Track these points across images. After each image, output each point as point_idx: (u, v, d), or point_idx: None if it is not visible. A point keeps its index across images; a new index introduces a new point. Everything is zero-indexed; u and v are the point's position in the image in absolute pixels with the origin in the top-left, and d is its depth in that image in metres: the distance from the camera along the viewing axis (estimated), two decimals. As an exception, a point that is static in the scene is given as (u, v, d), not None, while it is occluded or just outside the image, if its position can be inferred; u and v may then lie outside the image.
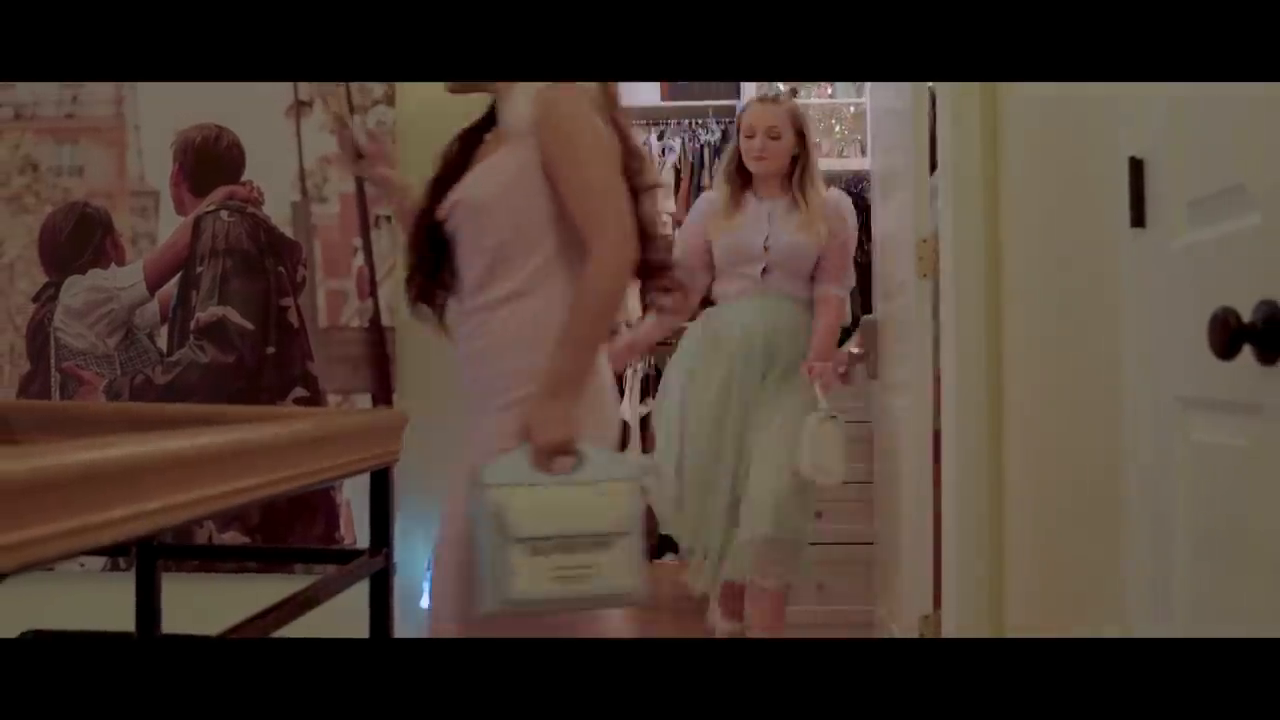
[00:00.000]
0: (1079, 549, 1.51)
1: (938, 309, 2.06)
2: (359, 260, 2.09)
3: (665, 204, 3.66)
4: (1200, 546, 1.04)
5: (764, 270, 2.37)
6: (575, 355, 1.29)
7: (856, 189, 3.30)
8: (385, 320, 2.09)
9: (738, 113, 2.51)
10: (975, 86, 1.91)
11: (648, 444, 2.95)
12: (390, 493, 1.04)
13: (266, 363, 2.07)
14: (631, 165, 1.41)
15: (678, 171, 3.85)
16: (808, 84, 3.56)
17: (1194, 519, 1.05)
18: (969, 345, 1.94)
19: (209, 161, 2.08)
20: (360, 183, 2.12)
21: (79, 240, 2.10)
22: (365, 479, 1.14)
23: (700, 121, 3.91)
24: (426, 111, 2.12)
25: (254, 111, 2.03)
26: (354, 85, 2.11)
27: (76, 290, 2.11)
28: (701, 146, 3.81)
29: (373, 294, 2.09)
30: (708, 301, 2.53)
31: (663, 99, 3.94)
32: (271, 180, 2.10)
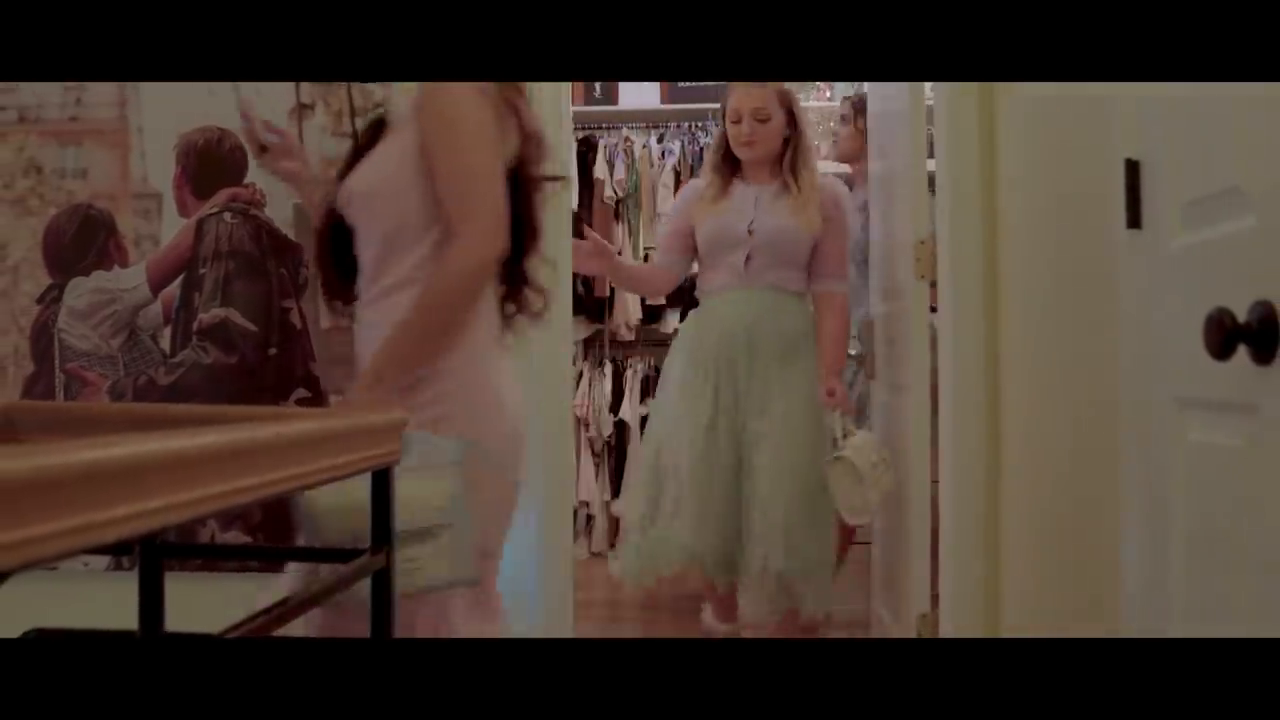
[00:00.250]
0: (1076, 548, 1.52)
1: (936, 310, 2.07)
2: (361, 261, 2.10)
3: (665, 206, 3.66)
4: (1196, 545, 1.05)
5: (748, 258, 2.20)
6: (407, 341, 1.24)
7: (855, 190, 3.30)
8: (387, 321, 2.10)
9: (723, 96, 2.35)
10: (973, 87, 1.91)
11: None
12: (391, 492, 1.05)
13: (269, 363, 2.07)
14: (529, 154, 1.36)
15: (678, 174, 3.86)
16: (807, 85, 3.57)
17: (1190, 518, 1.06)
18: (966, 345, 1.95)
19: (211, 164, 2.09)
20: (362, 184, 2.13)
21: (82, 242, 2.11)
22: (366, 479, 1.14)
23: (700, 124, 3.92)
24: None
25: (257, 114, 2.04)
26: (356, 89, 2.12)
27: (80, 292, 2.12)
28: (701, 149, 3.81)
29: (375, 295, 2.10)
30: (686, 294, 2.47)
31: (662, 101, 3.95)
32: (273, 182, 2.11)
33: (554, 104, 2.14)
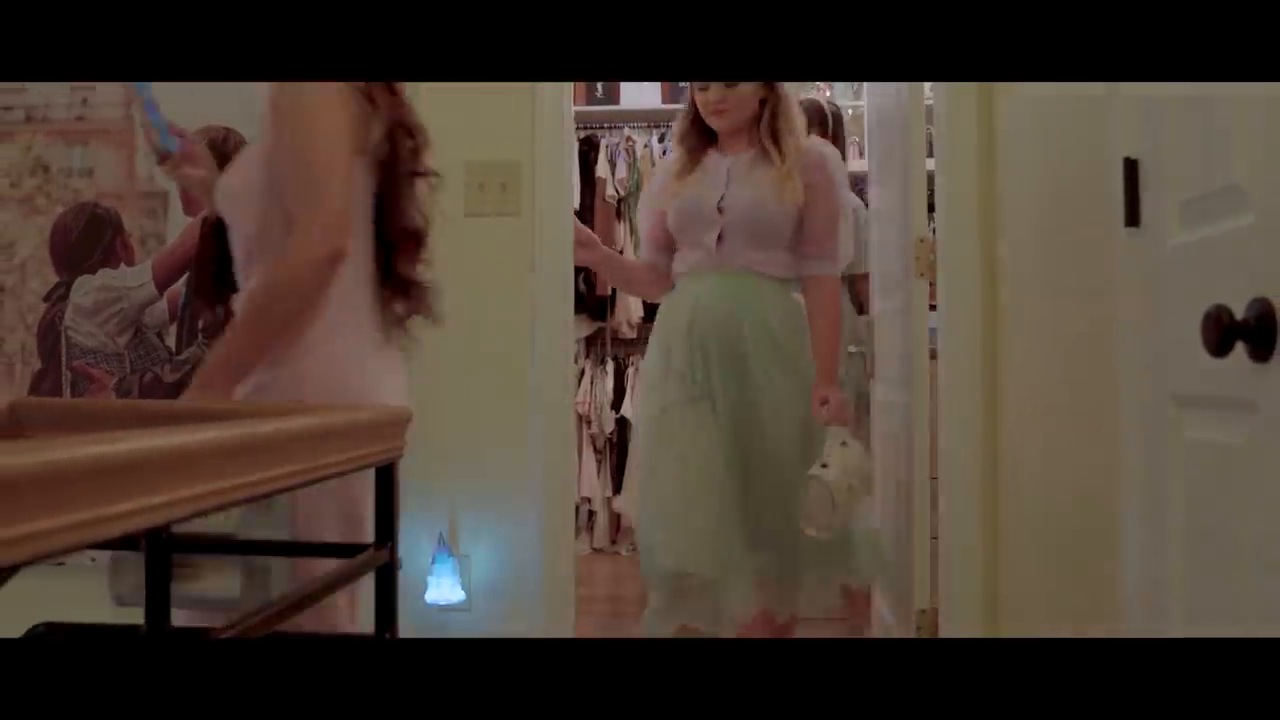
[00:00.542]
0: (1075, 545, 1.52)
1: (935, 307, 2.08)
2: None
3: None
4: (1195, 542, 1.05)
5: (719, 238, 1.89)
6: (237, 344, 1.17)
7: (855, 189, 3.31)
8: (391, 319, 2.11)
9: None
10: (972, 87, 1.92)
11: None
12: (394, 488, 1.05)
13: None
14: (400, 146, 1.28)
15: (680, 172, 3.86)
16: (807, 87, 3.58)
17: (1188, 515, 1.06)
18: (965, 343, 1.96)
19: (217, 162, 2.10)
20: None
21: (89, 241, 2.12)
22: (370, 474, 1.15)
23: (702, 123, 3.92)
24: (432, 115, 2.14)
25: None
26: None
27: (87, 290, 2.13)
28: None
29: (378, 293, 2.11)
30: None
31: (664, 101, 3.96)
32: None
33: (555, 104, 2.15)
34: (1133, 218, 1.17)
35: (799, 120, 1.93)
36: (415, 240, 1.32)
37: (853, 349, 2.55)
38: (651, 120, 4.01)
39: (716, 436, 1.85)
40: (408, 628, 1.10)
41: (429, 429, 1.49)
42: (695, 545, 1.81)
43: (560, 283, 2.15)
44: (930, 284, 2.10)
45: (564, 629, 2.10)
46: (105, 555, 2.05)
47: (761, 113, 1.91)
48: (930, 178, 2.12)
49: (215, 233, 1.34)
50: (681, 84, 3.93)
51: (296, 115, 1.21)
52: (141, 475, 0.56)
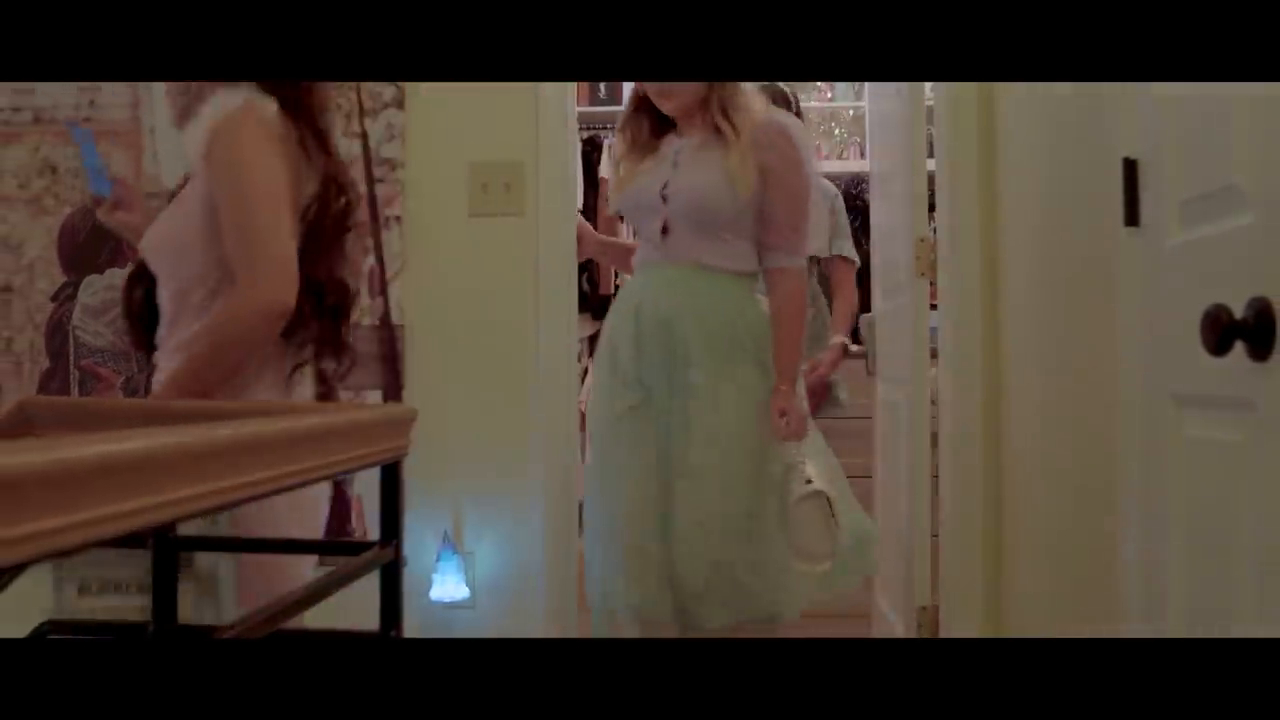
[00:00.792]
0: (1075, 541, 1.53)
1: (936, 306, 2.08)
2: (370, 260, 2.12)
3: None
4: (1194, 540, 1.05)
5: (664, 229, 1.71)
6: (180, 395, 1.16)
7: (856, 190, 3.32)
8: (395, 318, 2.12)
9: None
10: (972, 87, 1.92)
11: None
12: (399, 486, 1.06)
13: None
14: (333, 203, 1.27)
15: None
16: (808, 88, 3.58)
17: (1188, 513, 1.07)
18: (967, 342, 1.96)
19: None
20: (371, 184, 2.14)
21: (96, 241, 2.13)
22: (375, 473, 1.16)
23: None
24: (436, 116, 2.15)
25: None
26: (365, 90, 2.14)
27: (94, 289, 2.15)
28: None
29: (383, 293, 2.12)
30: None
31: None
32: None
33: (559, 104, 2.15)
34: (1132, 217, 1.17)
35: (755, 96, 1.75)
36: (343, 299, 1.31)
37: (849, 346, 2.52)
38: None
39: (653, 456, 1.67)
40: (412, 625, 1.11)
41: (434, 427, 1.50)
42: (616, 577, 1.66)
43: (564, 282, 2.16)
44: (931, 283, 2.11)
45: (567, 625, 2.11)
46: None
47: (710, 92, 1.71)
48: (931, 178, 2.13)
49: (142, 283, 1.31)
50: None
51: (234, 168, 1.20)
52: (149, 474, 0.57)
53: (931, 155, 2.14)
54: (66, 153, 2.14)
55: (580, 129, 3.67)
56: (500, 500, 2.11)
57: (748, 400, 1.68)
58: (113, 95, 2.14)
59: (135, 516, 0.56)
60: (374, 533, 1.16)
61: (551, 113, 2.14)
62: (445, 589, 2.05)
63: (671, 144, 1.79)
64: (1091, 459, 1.42)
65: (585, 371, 3.97)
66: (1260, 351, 0.87)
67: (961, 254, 1.98)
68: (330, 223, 1.28)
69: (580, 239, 2.12)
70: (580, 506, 1.98)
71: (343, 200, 1.29)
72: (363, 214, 1.26)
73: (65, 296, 2.15)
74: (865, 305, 2.82)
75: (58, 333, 2.14)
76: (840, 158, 3.55)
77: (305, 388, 1.31)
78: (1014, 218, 1.86)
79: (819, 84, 3.59)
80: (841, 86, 3.58)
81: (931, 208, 2.14)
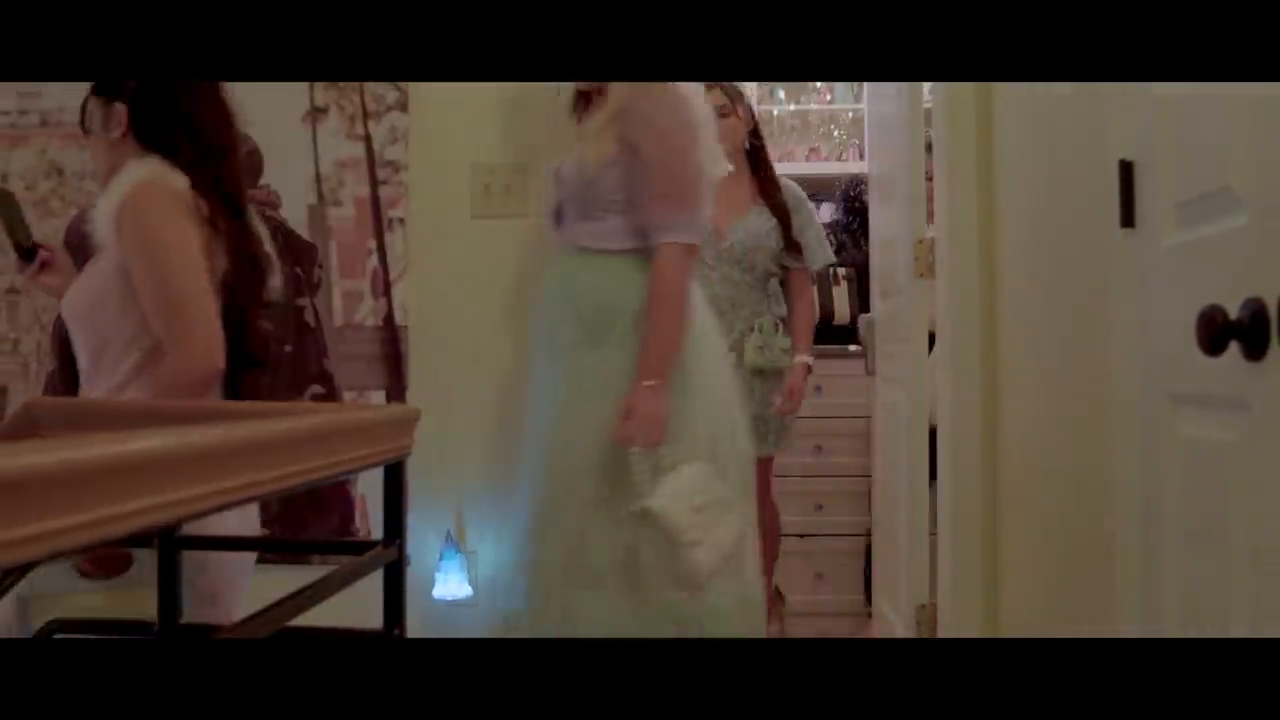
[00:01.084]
0: (1072, 540, 1.53)
1: (934, 307, 2.09)
2: (373, 261, 2.13)
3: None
4: (1189, 539, 1.06)
5: (558, 214, 1.66)
6: None
7: (855, 191, 3.32)
8: (398, 319, 2.13)
9: None
10: (969, 88, 1.92)
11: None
12: (402, 486, 1.07)
13: (284, 360, 2.11)
14: (244, 274, 1.32)
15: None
16: (807, 89, 3.58)
17: (1183, 512, 1.07)
18: (964, 342, 1.96)
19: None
20: (374, 187, 2.16)
21: (102, 242, 2.15)
22: (379, 472, 1.17)
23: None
24: (438, 119, 2.16)
25: (271, 118, 2.07)
26: (368, 93, 2.15)
27: (99, 291, 2.16)
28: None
29: (386, 294, 2.13)
30: None
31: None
32: (288, 184, 2.15)
33: (559, 104, 2.16)
34: (1128, 219, 1.18)
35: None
36: (256, 366, 1.35)
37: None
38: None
39: (526, 457, 1.62)
40: (415, 622, 1.12)
41: (437, 427, 1.51)
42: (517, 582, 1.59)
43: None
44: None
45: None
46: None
47: None
48: (929, 177, 2.13)
49: (65, 342, 1.37)
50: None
51: (148, 240, 1.24)
52: (154, 474, 0.58)
53: (930, 155, 2.14)
54: (73, 155, 2.16)
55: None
56: (502, 499, 2.12)
57: (605, 394, 1.54)
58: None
59: (140, 516, 0.57)
60: (377, 532, 1.17)
61: (552, 113, 2.14)
62: (448, 588, 2.06)
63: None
64: (1088, 458, 1.43)
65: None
66: (1254, 351, 0.87)
67: (959, 255, 1.98)
68: (243, 294, 1.33)
69: None
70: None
71: (254, 272, 1.34)
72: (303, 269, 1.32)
73: (71, 298, 2.16)
74: (865, 306, 2.83)
75: (64, 334, 2.15)
76: (839, 159, 3.55)
77: None
78: (1011, 219, 1.86)
79: (818, 85, 3.59)
80: (840, 88, 3.58)
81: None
